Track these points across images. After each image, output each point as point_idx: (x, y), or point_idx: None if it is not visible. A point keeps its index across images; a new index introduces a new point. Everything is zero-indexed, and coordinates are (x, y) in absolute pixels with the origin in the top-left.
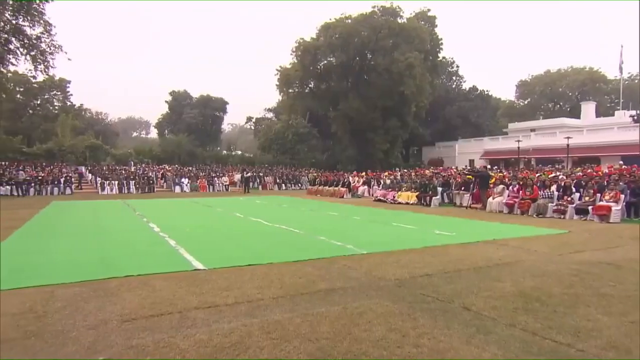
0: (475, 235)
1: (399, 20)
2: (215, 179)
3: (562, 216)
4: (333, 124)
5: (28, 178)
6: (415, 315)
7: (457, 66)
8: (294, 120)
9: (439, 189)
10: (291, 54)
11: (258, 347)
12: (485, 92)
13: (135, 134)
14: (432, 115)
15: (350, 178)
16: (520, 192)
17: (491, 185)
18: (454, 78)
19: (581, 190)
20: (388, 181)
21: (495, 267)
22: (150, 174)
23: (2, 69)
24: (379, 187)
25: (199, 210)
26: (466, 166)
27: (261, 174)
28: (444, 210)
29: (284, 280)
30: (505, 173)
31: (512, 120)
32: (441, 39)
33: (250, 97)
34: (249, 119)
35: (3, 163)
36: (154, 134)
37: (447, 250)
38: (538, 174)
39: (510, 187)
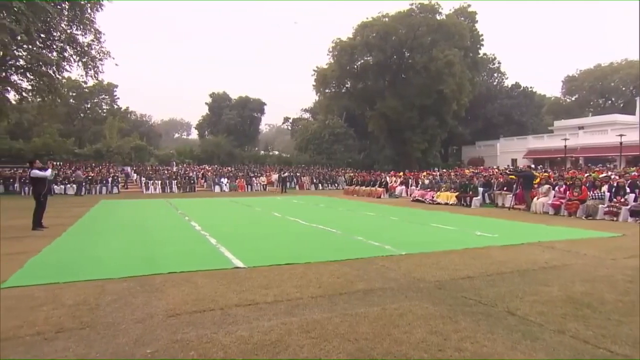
0: (519, 237)
1: (438, 17)
2: (254, 178)
3: (615, 218)
4: (370, 124)
5: (83, 178)
6: (456, 318)
7: (499, 63)
8: (330, 120)
9: (480, 189)
10: (328, 54)
11: (298, 346)
12: (529, 89)
13: (177, 135)
14: (472, 113)
15: (388, 178)
16: (568, 192)
17: (535, 186)
18: (495, 75)
19: (636, 191)
20: (426, 181)
21: (541, 270)
22: (191, 174)
23: (57, 76)
24: (417, 187)
25: (238, 210)
26: (508, 166)
27: (298, 174)
28: (485, 211)
29: (322, 279)
30: (550, 173)
31: (557, 117)
32: (482, 35)
33: (288, 97)
34: (286, 119)
35: (58, 163)
36: (194, 135)
37: (489, 252)
38: (587, 174)
39: (557, 188)
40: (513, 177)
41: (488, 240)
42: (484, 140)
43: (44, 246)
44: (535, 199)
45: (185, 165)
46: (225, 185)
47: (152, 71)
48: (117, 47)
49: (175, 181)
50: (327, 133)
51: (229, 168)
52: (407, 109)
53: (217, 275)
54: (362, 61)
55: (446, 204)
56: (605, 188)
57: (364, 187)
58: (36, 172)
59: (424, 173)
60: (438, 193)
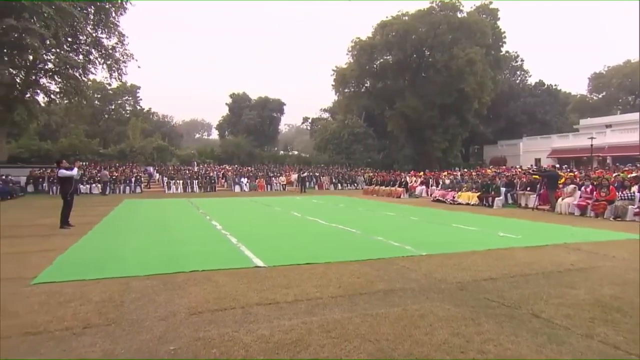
0: (544, 238)
1: (459, 15)
2: (273, 178)
3: None
4: (389, 123)
5: (108, 177)
6: (479, 320)
7: (522, 60)
8: (349, 120)
9: (502, 189)
10: (347, 54)
11: (318, 345)
12: (553, 87)
13: (197, 135)
14: (494, 112)
15: (408, 178)
16: (594, 193)
17: (560, 186)
18: (518, 73)
19: None
20: (447, 181)
21: (567, 272)
22: (211, 173)
23: (83, 78)
24: (437, 187)
25: (258, 209)
26: (532, 165)
27: (317, 174)
28: (508, 211)
29: (342, 279)
30: (576, 172)
31: (583, 115)
32: (504, 32)
33: (307, 97)
34: (305, 119)
35: (84, 163)
36: (215, 135)
37: (513, 254)
38: (615, 174)
39: (583, 188)
40: (537, 177)
41: (511, 241)
42: (506, 139)
43: (71, 244)
44: (560, 199)
45: (206, 165)
46: (245, 185)
47: (173, 72)
48: (139, 49)
49: (197, 181)
50: (347, 133)
51: (249, 168)
52: (427, 108)
53: (238, 274)
54: (382, 60)
55: (467, 204)
56: (635, 188)
57: (383, 187)
58: (63, 172)
59: (445, 173)
60: (459, 193)
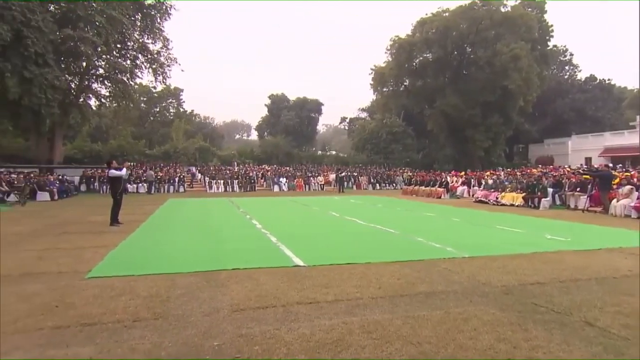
0: (596, 241)
1: (502, 10)
2: (311, 178)
3: None
4: (429, 122)
5: (154, 177)
6: (526, 326)
7: (571, 54)
8: (388, 119)
9: (550, 190)
10: (385, 52)
11: (359, 346)
12: (606, 82)
13: (237, 136)
14: (540, 109)
15: (448, 178)
16: None
17: (614, 186)
18: (566, 68)
19: None
20: (490, 181)
21: (624, 279)
22: (251, 173)
23: (131, 82)
24: (479, 187)
25: (296, 209)
26: (582, 165)
27: (355, 174)
28: (555, 213)
29: (382, 280)
30: (633, 172)
31: None
32: (551, 25)
33: (345, 97)
34: (343, 119)
35: (131, 163)
36: (254, 136)
37: (562, 257)
38: None
39: None
40: (588, 177)
41: (560, 244)
42: (553, 137)
43: (120, 241)
44: (614, 200)
45: (245, 165)
46: (284, 184)
47: (214, 74)
48: (181, 52)
49: (237, 180)
50: (385, 132)
51: (288, 168)
52: (469, 106)
53: (278, 273)
54: (421, 58)
55: (512, 205)
56: None
57: (423, 187)
58: (113, 172)
59: (488, 173)
60: (503, 194)
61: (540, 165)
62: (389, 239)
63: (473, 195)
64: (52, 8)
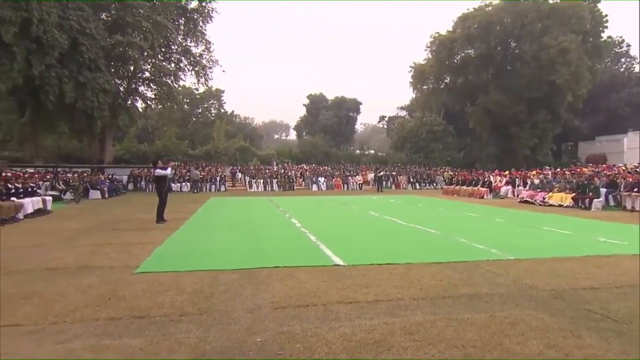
0: None
1: (550, 1)
2: (350, 177)
3: None
4: (471, 120)
5: (199, 177)
6: (579, 333)
7: (628, 46)
8: (428, 117)
9: (602, 190)
10: (425, 50)
11: (401, 347)
12: None
13: (276, 136)
14: (591, 105)
15: (492, 177)
16: None
17: None
18: (622, 60)
19: None
20: (537, 181)
21: None
22: (290, 173)
23: (175, 84)
24: (525, 187)
25: (335, 208)
26: None
27: (394, 173)
28: (609, 214)
29: (424, 281)
30: None
31: None
32: (605, 15)
33: (383, 96)
34: (382, 118)
35: (176, 163)
36: (293, 135)
37: (618, 262)
38: None
39: None
40: None
41: (615, 248)
42: (606, 134)
43: (166, 238)
44: None
45: (284, 164)
46: (323, 184)
47: (253, 75)
48: (222, 53)
49: (276, 180)
50: (425, 131)
51: (326, 167)
52: (513, 103)
53: (318, 272)
54: (463, 54)
55: (560, 205)
56: None
57: (465, 187)
58: (159, 171)
59: (534, 172)
60: (550, 194)
61: (591, 164)
62: (430, 239)
63: (518, 196)
64: (103, 16)
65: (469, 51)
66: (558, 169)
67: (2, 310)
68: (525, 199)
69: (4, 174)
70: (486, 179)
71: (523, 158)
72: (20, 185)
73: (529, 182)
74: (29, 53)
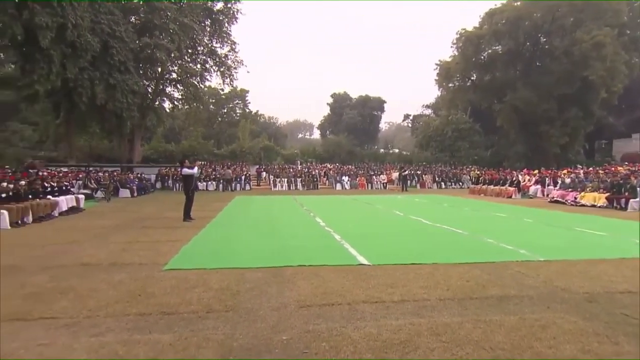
0: None
1: None
2: (374, 177)
3: None
4: (498, 118)
5: (230, 176)
6: (616, 339)
7: None
8: (454, 115)
9: (639, 190)
10: (451, 46)
11: (428, 348)
12: None
13: (300, 135)
14: (627, 101)
15: (520, 176)
16: None
17: None
18: None
19: None
20: (568, 180)
21: None
22: (314, 172)
23: (201, 85)
24: (555, 186)
25: (359, 207)
26: None
27: (419, 172)
28: None
29: (451, 282)
30: None
31: None
32: None
33: (408, 94)
34: (406, 116)
35: (202, 162)
36: (316, 134)
37: None
38: None
39: None
40: None
41: None
42: None
43: (193, 235)
44: None
45: (308, 163)
46: (346, 183)
47: (278, 75)
48: (247, 53)
49: (300, 179)
50: (450, 129)
51: (350, 166)
52: (543, 100)
53: (343, 271)
54: (490, 51)
55: (593, 206)
56: None
57: (492, 186)
58: (186, 170)
59: (564, 171)
60: (582, 193)
61: (627, 163)
62: (457, 239)
63: (548, 195)
64: (133, 19)
65: (496, 47)
66: (591, 168)
67: (40, 303)
68: (555, 198)
69: (40, 173)
70: (514, 178)
71: (553, 157)
72: (55, 184)
73: (559, 182)
74: (64, 57)
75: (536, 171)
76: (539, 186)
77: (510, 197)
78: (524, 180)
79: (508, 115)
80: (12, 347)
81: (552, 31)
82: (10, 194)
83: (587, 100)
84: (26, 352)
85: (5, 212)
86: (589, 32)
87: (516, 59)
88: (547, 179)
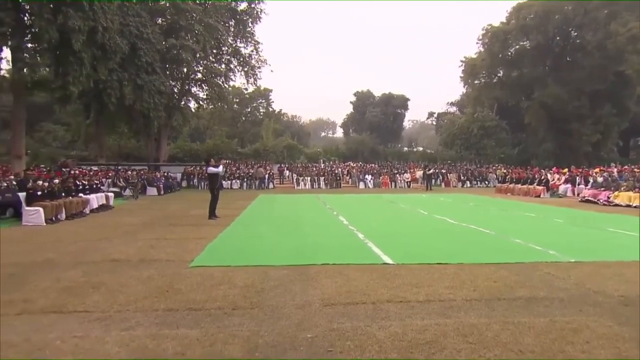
0: None
1: None
2: (397, 175)
3: None
4: (526, 115)
5: (263, 174)
6: None
7: None
8: (479, 113)
9: None
10: (477, 43)
11: (454, 349)
12: None
13: (323, 134)
14: None
15: (549, 175)
16: None
17: None
18: None
19: None
20: (600, 179)
21: None
22: (337, 170)
23: (225, 85)
24: (586, 185)
25: (382, 206)
26: None
27: (443, 171)
28: None
29: (477, 282)
30: None
31: None
32: None
33: (432, 92)
34: (431, 114)
35: (227, 161)
36: (339, 133)
37: None
38: None
39: None
40: None
41: None
42: None
43: (217, 233)
44: None
45: (331, 162)
46: (370, 181)
47: (301, 74)
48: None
49: (323, 177)
50: (476, 127)
51: (373, 165)
52: (573, 97)
53: (367, 270)
54: (517, 47)
55: (628, 205)
56: None
57: (519, 185)
58: (211, 169)
59: (597, 169)
60: (616, 193)
61: None
62: (483, 239)
63: (578, 195)
64: (159, 21)
65: (524, 43)
66: (625, 166)
67: (74, 297)
68: (587, 198)
69: (72, 172)
70: (543, 177)
71: (584, 155)
72: (86, 182)
73: (591, 180)
74: (95, 59)
75: (566, 170)
76: (569, 185)
77: (539, 196)
78: (553, 179)
79: (536, 113)
80: (50, 337)
81: (585, 24)
82: (45, 191)
83: (621, 96)
84: (62, 343)
85: (41, 209)
86: (625, 24)
87: (545, 55)
88: (577, 177)
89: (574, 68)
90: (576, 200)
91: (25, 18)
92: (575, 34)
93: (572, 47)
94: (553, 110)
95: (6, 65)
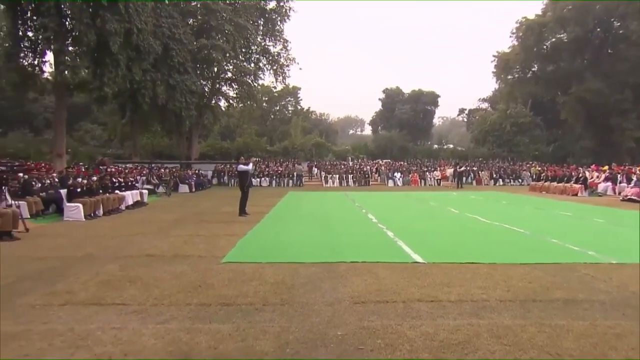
0: None
1: None
2: (427, 173)
3: None
4: (563, 111)
5: (302, 171)
6: None
7: None
8: (512, 109)
9: None
10: (510, 36)
11: (488, 351)
12: None
13: (351, 131)
14: None
15: (587, 173)
16: None
17: None
18: None
19: None
20: None
21: None
22: (365, 168)
23: (254, 83)
24: (629, 184)
25: (412, 204)
26: None
27: (475, 169)
28: None
29: (511, 282)
30: None
31: None
32: None
33: (463, 88)
34: (461, 110)
35: (257, 159)
36: (368, 131)
37: None
38: None
39: None
40: None
41: None
42: None
43: (248, 230)
44: None
45: (360, 160)
46: (399, 179)
47: (329, 71)
48: (299, 50)
49: (351, 175)
50: (509, 123)
51: (402, 162)
52: (615, 91)
53: (397, 268)
54: (554, 40)
55: None
56: None
57: (555, 183)
58: (242, 167)
59: None
60: None
61: None
62: (517, 238)
63: (620, 193)
64: (190, 21)
65: (561, 35)
66: None
67: (112, 290)
68: (629, 197)
69: (109, 170)
70: (580, 175)
71: (626, 151)
72: (122, 180)
73: (634, 178)
74: (130, 60)
75: (606, 167)
76: (609, 183)
77: (576, 194)
78: (592, 177)
79: (574, 108)
80: (91, 328)
81: (628, 13)
82: (84, 188)
83: None
84: (102, 334)
85: (81, 206)
86: None
87: (584, 47)
88: (619, 175)
89: (616, 60)
90: (617, 199)
91: (67, 22)
92: (618, 24)
93: (614, 38)
94: (592, 105)
95: (49, 68)
